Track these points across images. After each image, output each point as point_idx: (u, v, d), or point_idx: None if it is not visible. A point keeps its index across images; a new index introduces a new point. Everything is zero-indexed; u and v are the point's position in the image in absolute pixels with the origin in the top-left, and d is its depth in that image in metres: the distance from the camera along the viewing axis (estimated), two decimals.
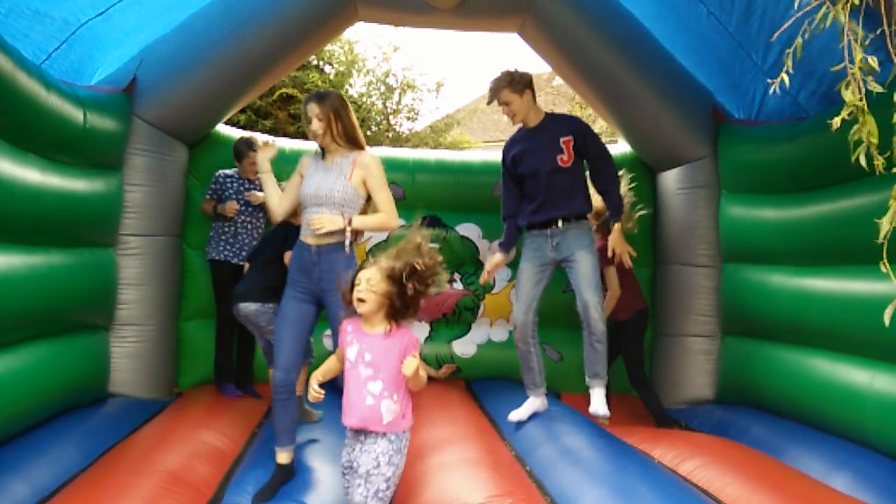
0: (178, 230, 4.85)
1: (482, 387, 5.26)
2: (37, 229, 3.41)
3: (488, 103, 4.04)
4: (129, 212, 4.39)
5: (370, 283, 2.54)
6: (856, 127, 2.19)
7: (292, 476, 3.16)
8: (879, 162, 2.16)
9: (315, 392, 2.60)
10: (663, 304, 5.15)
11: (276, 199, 3.50)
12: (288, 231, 4.15)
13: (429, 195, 5.54)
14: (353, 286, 2.59)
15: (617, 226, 3.92)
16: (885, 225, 2.08)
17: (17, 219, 3.22)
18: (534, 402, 4.03)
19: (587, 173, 4.13)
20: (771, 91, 2.30)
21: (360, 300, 2.54)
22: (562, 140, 3.86)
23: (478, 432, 3.92)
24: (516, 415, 3.99)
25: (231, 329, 4.86)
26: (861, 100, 2.12)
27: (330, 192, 3.27)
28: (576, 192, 3.88)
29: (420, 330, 5.54)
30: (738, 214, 4.56)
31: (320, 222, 3.19)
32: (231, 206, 4.78)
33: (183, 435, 3.65)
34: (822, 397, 3.70)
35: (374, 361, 2.55)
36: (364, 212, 3.43)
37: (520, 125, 4.05)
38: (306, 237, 3.30)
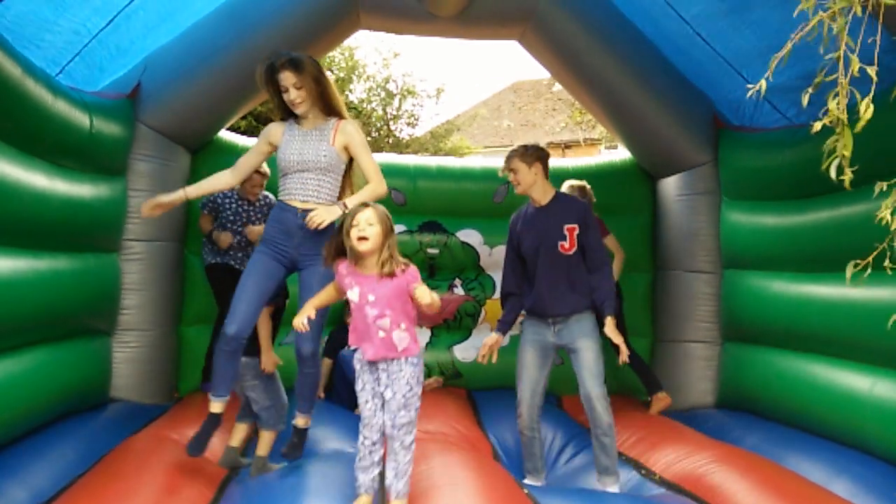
0: (180, 236, 4.87)
1: (483, 398, 5.25)
2: (42, 234, 3.43)
3: (501, 173, 3.92)
4: (133, 217, 4.41)
5: (369, 222, 2.69)
6: (832, 138, 2.22)
7: (220, 424, 3.25)
8: (848, 176, 2.19)
9: (302, 325, 2.79)
10: (664, 310, 5.17)
11: (220, 181, 3.38)
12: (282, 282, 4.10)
13: (430, 201, 5.56)
14: (342, 234, 2.72)
15: (610, 319, 3.66)
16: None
17: (23, 223, 3.23)
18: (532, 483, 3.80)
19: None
20: (749, 95, 2.32)
21: (363, 238, 2.68)
22: (566, 227, 3.70)
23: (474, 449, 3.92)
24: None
25: None
26: (843, 112, 2.14)
27: (316, 157, 3.20)
28: (577, 282, 3.68)
29: (421, 335, 5.55)
30: (738, 221, 4.58)
31: (320, 218, 3.09)
32: (225, 238, 4.67)
33: (182, 439, 3.64)
34: (822, 403, 3.71)
35: (378, 301, 2.71)
36: (345, 178, 3.34)
37: (528, 200, 3.87)
38: (292, 200, 3.22)
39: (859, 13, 2.11)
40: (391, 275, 2.71)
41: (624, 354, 3.64)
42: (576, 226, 3.69)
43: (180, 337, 4.94)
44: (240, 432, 3.54)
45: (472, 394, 5.33)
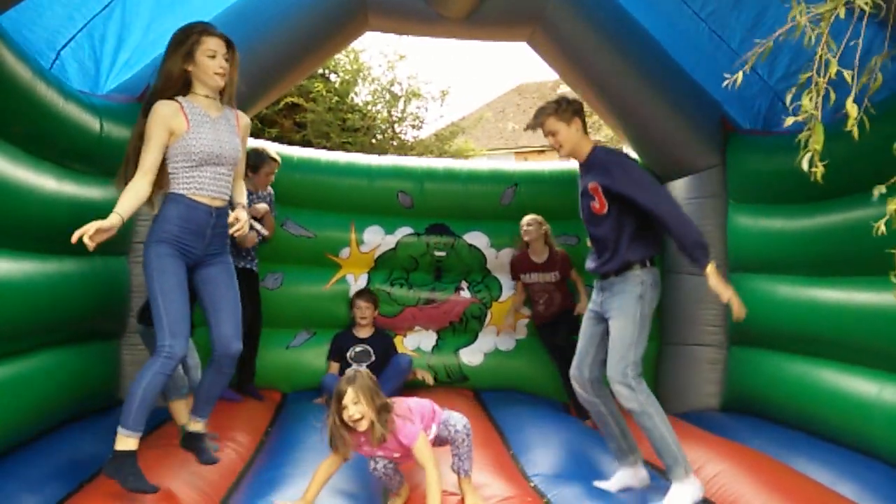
0: None
1: (492, 398, 5.26)
2: (51, 237, 3.42)
3: (527, 128, 3.53)
4: (142, 220, 4.40)
5: (354, 402, 2.78)
6: (804, 133, 2.27)
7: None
8: (818, 169, 2.24)
9: None
10: (670, 313, 5.15)
11: (141, 193, 2.84)
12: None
13: (437, 203, 5.57)
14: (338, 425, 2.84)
15: (710, 268, 3.14)
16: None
17: (32, 226, 3.24)
18: (624, 476, 3.34)
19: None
20: (724, 85, 2.36)
21: (358, 420, 2.79)
22: (589, 186, 3.33)
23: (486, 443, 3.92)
24: (602, 484, 3.41)
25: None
26: (816, 108, 2.19)
27: (232, 150, 2.93)
28: (620, 242, 3.25)
29: (427, 338, 5.57)
30: (745, 224, 4.57)
31: (243, 224, 2.91)
32: (251, 239, 4.67)
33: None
34: (829, 408, 3.70)
35: (403, 455, 2.95)
36: None
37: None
38: (200, 195, 2.87)
39: (842, 16, 2.15)
40: (392, 434, 2.84)
41: (736, 307, 3.16)
42: (596, 184, 3.27)
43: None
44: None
45: (481, 394, 5.36)
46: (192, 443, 3.09)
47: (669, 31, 4.68)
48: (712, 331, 4.81)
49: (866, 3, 2.13)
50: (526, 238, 5.23)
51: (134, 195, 2.82)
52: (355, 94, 14.00)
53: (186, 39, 2.84)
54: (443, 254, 5.57)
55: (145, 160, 2.82)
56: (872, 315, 3.39)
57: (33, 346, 3.31)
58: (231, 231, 2.93)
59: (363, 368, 2.94)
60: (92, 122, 3.67)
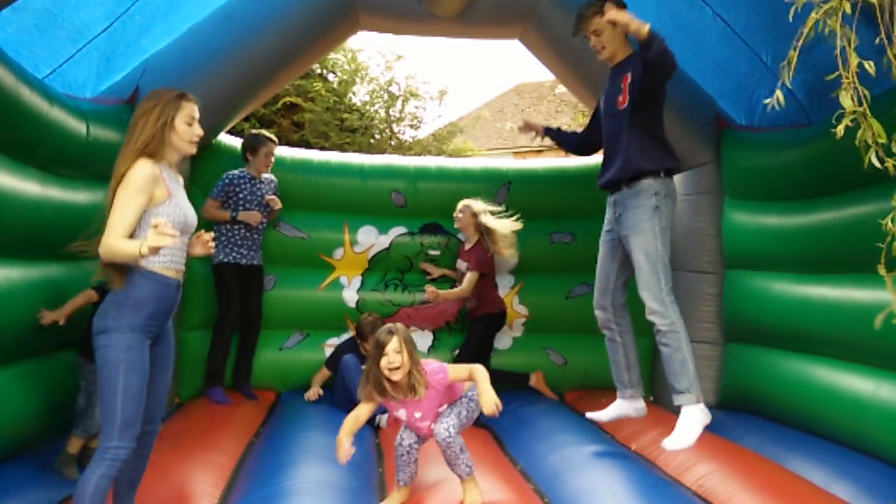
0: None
1: None
2: (35, 242, 3.38)
3: (574, 35, 3.37)
4: None
5: (396, 350, 2.95)
6: (861, 131, 2.20)
7: None
8: (890, 163, 2.18)
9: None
10: None
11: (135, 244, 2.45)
12: None
13: (430, 202, 5.56)
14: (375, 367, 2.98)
15: (619, 15, 2.92)
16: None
17: (17, 232, 3.20)
18: (620, 406, 3.46)
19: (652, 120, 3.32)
20: (769, 108, 2.29)
21: (396, 368, 2.94)
22: (621, 78, 3.20)
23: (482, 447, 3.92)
24: (595, 415, 3.46)
25: (231, 334, 4.88)
26: (861, 104, 2.13)
27: (195, 216, 2.77)
28: (631, 141, 3.10)
29: (423, 339, 5.55)
30: (740, 221, 4.54)
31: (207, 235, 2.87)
32: (255, 216, 4.77)
33: (181, 451, 3.60)
34: (824, 405, 3.67)
35: (425, 414, 3.05)
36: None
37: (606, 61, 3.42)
38: (168, 270, 2.62)
39: (848, 11, 2.10)
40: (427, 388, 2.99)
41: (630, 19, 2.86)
42: (628, 74, 3.15)
43: (180, 342, 4.91)
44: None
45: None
46: None
47: (663, 24, 4.62)
48: (708, 328, 4.78)
49: None
50: (456, 224, 5.22)
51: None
52: (353, 94, 14.00)
53: (163, 105, 2.66)
54: (437, 253, 5.55)
55: (125, 220, 2.49)
56: (868, 312, 3.34)
57: (18, 355, 3.25)
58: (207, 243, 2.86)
59: (398, 325, 3.08)
60: (78, 127, 3.62)
